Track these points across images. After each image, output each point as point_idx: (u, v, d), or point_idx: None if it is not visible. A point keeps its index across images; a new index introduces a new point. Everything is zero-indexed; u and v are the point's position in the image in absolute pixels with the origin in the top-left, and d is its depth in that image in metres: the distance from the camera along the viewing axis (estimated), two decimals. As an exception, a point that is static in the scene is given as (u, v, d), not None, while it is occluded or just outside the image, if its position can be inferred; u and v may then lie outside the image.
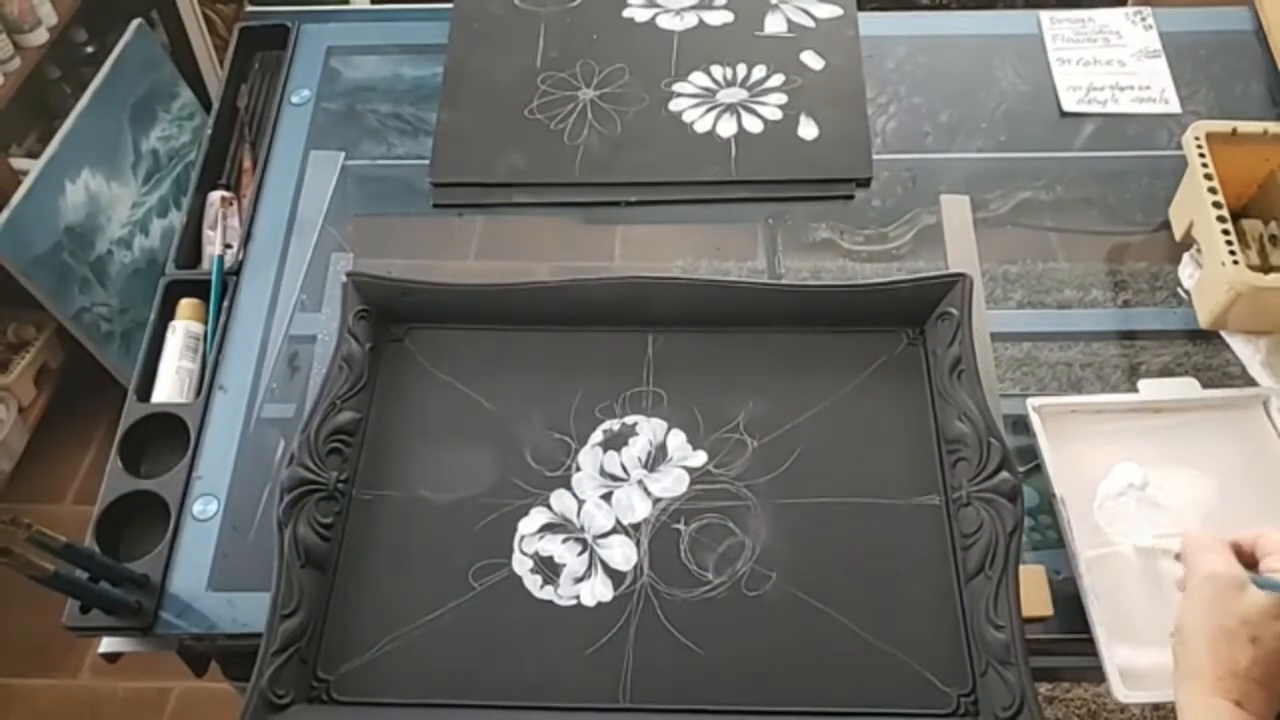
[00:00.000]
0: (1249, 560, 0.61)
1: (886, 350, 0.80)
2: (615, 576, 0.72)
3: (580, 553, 0.73)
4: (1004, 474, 0.70)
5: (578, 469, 0.76)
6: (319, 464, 0.73)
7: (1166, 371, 0.83)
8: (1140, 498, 0.74)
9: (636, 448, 0.77)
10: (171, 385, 0.84)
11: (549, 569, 0.72)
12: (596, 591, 0.71)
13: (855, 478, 0.75)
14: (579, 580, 0.72)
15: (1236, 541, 0.62)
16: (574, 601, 0.71)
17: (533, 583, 0.72)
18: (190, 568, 0.75)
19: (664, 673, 0.68)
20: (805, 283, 0.82)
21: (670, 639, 0.69)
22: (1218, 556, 0.59)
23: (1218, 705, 0.54)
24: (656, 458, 0.77)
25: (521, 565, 0.73)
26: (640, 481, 0.76)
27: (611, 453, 0.77)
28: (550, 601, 0.71)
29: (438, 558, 0.73)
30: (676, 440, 0.78)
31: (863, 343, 0.81)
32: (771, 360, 0.81)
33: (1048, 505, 0.74)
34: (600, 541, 0.73)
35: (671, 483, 0.76)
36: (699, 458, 0.77)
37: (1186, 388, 0.79)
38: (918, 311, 0.80)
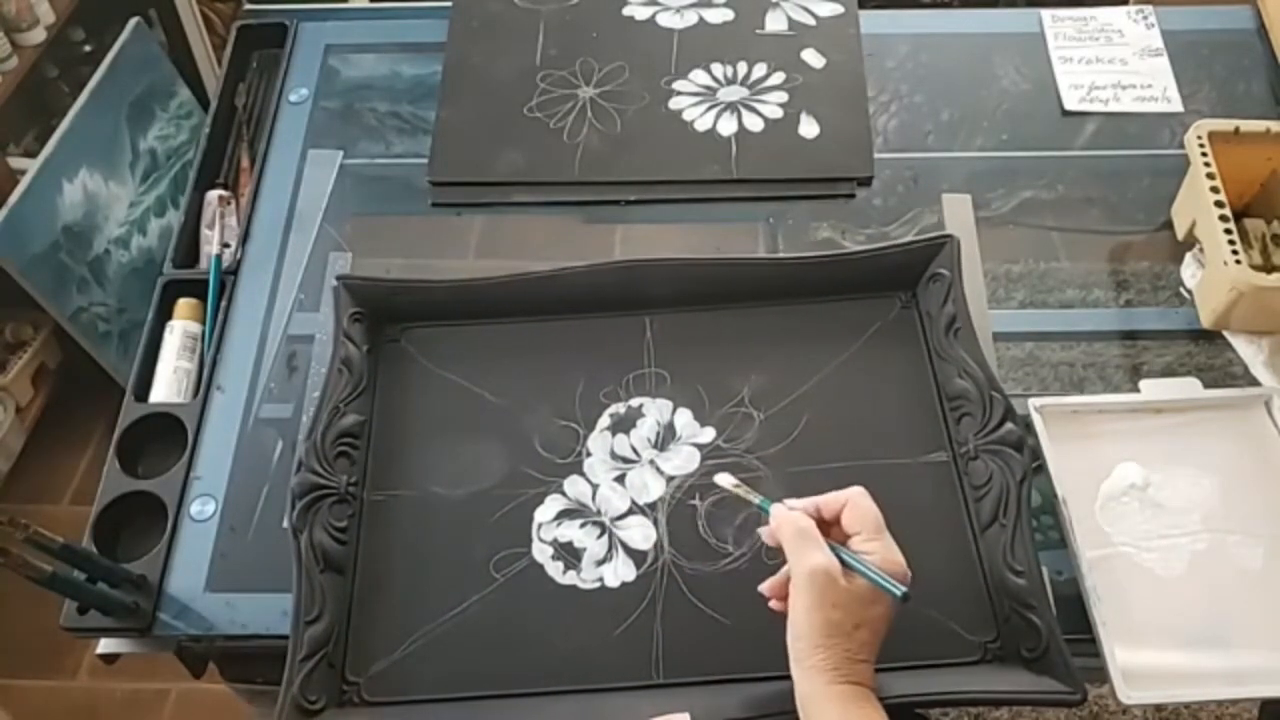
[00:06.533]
0: (832, 524, 0.62)
1: (881, 315, 0.82)
2: (636, 556, 0.72)
3: (599, 536, 0.73)
4: (1009, 425, 0.72)
5: (588, 454, 0.77)
6: (328, 468, 0.73)
7: (1169, 371, 0.83)
8: (1142, 498, 0.74)
9: (645, 429, 0.78)
10: (169, 385, 0.83)
11: (570, 554, 0.73)
12: (619, 572, 0.72)
13: (863, 441, 0.76)
14: (601, 563, 0.72)
15: (821, 506, 0.62)
16: (598, 584, 0.71)
17: (555, 569, 0.72)
18: (188, 569, 0.74)
19: (693, 646, 0.69)
20: (796, 255, 0.83)
21: (697, 612, 0.70)
22: (817, 550, 0.59)
23: (840, 691, 0.57)
24: (666, 437, 0.77)
25: (542, 553, 0.73)
26: (652, 461, 0.76)
27: (620, 435, 0.78)
28: (574, 586, 0.72)
29: (457, 552, 0.73)
30: (684, 418, 0.78)
31: (857, 310, 0.82)
32: (769, 333, 0.81)
33: (1050, 506, 0.73)
34: (618, 523, 0.74)
35: (683, 460, 0.76)
36: (708, 434, 0.77)
37: (1189, 388, 0.79)
38: (909, 275, 0.82)
